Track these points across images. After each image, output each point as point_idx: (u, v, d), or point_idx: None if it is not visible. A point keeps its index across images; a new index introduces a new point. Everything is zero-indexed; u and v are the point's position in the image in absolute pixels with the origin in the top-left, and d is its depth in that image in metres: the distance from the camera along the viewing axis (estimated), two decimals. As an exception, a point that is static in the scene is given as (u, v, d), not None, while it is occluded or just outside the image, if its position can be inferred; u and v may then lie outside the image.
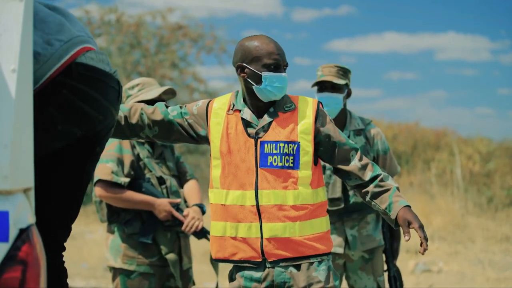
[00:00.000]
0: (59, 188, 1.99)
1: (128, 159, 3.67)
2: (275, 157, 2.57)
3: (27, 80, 1.69)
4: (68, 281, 2.24)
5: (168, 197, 3.75)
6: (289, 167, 2.57)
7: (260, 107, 2.64)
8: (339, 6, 32.41)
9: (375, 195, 2.62)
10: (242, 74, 2.63)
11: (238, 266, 2.66)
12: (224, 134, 2.62)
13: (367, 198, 2.65)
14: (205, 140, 2.70)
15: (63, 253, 2.21)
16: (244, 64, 2.62)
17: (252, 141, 2.60)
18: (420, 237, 2.49)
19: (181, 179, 3.93)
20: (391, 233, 3.96)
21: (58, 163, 1.95)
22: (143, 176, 3.72)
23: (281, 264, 2.59)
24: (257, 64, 2.59)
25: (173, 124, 2.71)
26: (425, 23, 29.42)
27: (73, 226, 2.20)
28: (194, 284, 3.90)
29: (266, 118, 2.62)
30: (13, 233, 1.58)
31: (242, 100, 2.68)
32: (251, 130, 2.62)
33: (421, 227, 2.51)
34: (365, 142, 3.76)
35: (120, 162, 3.65)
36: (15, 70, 1.64)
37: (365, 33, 31.57)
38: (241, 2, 29.37)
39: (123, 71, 14.58)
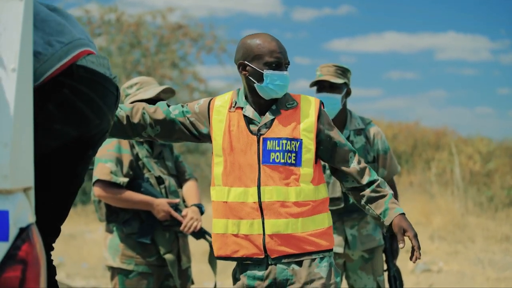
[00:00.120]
0: (49, 190, 1.98)
1: (127, 159, 3.66)
2: (278, 153, 2.58)
3: (27, 79, 1.69)
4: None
5: (166, 197, 3.75)
6: (291, 164, 2.58)
7: (262, 105, 2.66)
8: (339, 5, 32.42)
9: (371, 200, 2.66)
10: (244, 72, 2.64)
11: (241, 264, 2.67)
12: (226, 132, 2.63)
13: (362, 202, 2.68)
14: (207, 138, 2.71)
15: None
16: (246, 62, 2.63)
17: (255, 138, 2.61)
18: (414, 246, 2.55)
19: (180, 178, 3.93)
20: (391, 233, 3.95)
21: (49, 165, 1.95)
22: (142, 176, 3.71)
23: (283, 260, 2.59)
24: (259, 62, 2.61)
25: (175, 123, 2.72)
26: (425, 23, 29.44)
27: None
28: (193, 283, 3.90)
29: (268, 116, 2.63)
30: (13, 232, 1.58)
31: (244, 97, 2.69)
32: (253, 127, 2.63)
33: (416, 236, 2.57)
34: (365, 142, 3.76)
35: (119, 162, 3.65)
36: (15, 69, 1.64)
37: (365, 32, 31.59)
38: (241, 2, 29.39)
39: (123, 71, 14.57)
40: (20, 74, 1.65)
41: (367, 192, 2.65)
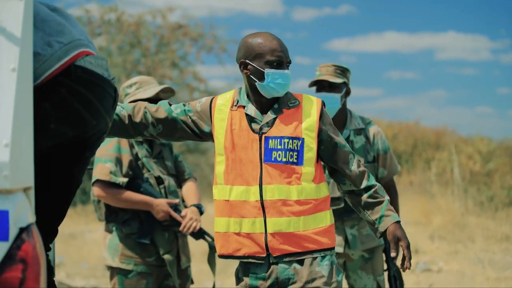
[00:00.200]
0: (47, 191, 1.98)
1: (126, 159, 3.66)
2: (280, 152, 2.59)
3: (27, 79, 1.69)
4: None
5: (166, 197, 3.75)
6: (293, 163, 2.59)
7: (263, 103, 2.66)
8: (339, 5, 32.42)
9: (367, 205, 2.68)
10: (245, 71, 2.65)
11: (244, 264, 2.67)
12: (228, 130, 2.64)
13: (358, 206, 2.71)
14: (209, 136, 2.71)
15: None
16: (247, 61, 2.64)
17: (257, 136, 2.61)
18: (406, 256, 2.61)
19: (179, 178, 3.93)
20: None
21: (47, 166, 1.94)
22: (142, 175, 3.71)
23: (285, 259, 2.60)
24: (260, 61, 2.61)
25: (177, 122, 2.72)
26: (425, 22, 29.44)
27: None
28: (192, 282, 3.90)
29: (270, 114, 2.64)
30: (13, 232, 1.58)
31: (245, 96, 2.69)
32: (255, 126, 2.64)
33: (409, 246, 2.63)
34: (365, 142, 3.76)
35: (119, 162, 3.64)
36: (15, 69, 1.63)
37: (365, 32, 31.59)
38: (241, 2, 29.40)
39: (123, 71, 14.57)
40: (20, 74, 1.65)
41: (364, 197, 2.68)
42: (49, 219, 2.03)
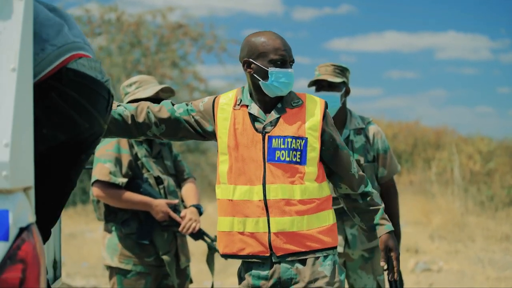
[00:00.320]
0: (42, 194, 1.98)
1: (126, 159, 3.66)
2: (283, 151, 2.59)
3: (27, 79, 1.69)
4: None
5: (165, 197, 3.75)
6: (296, 162, 2.59)
7: (267, 102, 2.66)
8: (339, 5, 32.41)
9: (363, 212, 2.74)
10: (249, 70, 2.65)
11: (246, 263, 2.67)
12: (231, 129, 2.64)
13: (353, 211, 2.77)
14: (213, 135, 2.71)
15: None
16: (251, 60, 2.64)
17: (260, 136, 2.61)
18: (395, 267, 2.72)
19: (179, 178, 3.93)
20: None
21: (42, 169, 1.93)
22: (141, 175, 3.71)
23: (288, 259, 2.60)
24: (264, 60, 2.61)
25: (180, 122, 2.72)
26: (425, 22, 29.44)
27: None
28: (191, 282, 3.91)
29: (274, 114, 2.64)
30: (13, 232, 1.58)
31: (248, 95, 2.69)
32: (258, 125, 2.63)
33: (398, 257, 2.73)
34: (365, 141, 3.76)
35: (118, 162, 3.64)
36: (15, 69, 1.63)
37: (365, 32, 31.59)
38: (241, 1, 29.40)
39: (123, 70, 14.57)
40: (20, 74, 1.65)
41: (360, 203, 2.73)
42: (42, 221, 2.03)
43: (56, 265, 2.89)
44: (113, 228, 3.72)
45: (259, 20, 28.76)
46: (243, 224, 2.61)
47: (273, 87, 2.61)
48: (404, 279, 4.07)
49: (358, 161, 3.67)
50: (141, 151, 3.73)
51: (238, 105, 2.67)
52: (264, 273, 2.62)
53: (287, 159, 2.58)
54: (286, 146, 2.59)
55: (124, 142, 3.70)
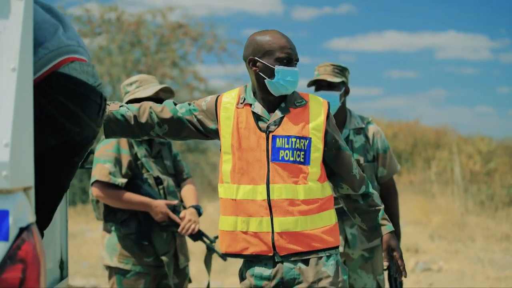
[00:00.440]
0: (35, 197, 1.97)
1: (125, 159, 3.66)
2: (287, 151, 2.58)
3: (27, 79, 1.69)
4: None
5: (165, 197, 3.74)
6: (300, 162, 2.59)
7: (270, 102, 2.66)
8: (339, 4, 32.41)
9: (363, 212, 2.76)
10: (254, 68, 2.64)
11: (248, 263, 2.67)
12: (234, 128, 2.63)
13: (353, 212, 2.78)
14: (216, 134, 2.70)
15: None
16: (256, 58, 2.63)
17: (264, 135, 2.61)
18: (401, 266, 2.74)
19: (178, 177, 3.93)
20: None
21: (35, 171, 1.93)
22: (141, 176, 3.71)
23: (291, 258, 2.60)
24: (270, 58, 2.61)
25: (183, 121, 2.72)
26: (425, 22, 29.45)
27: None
28: (190, 281, 3.91)
29: (277, 113, 2.63)
30: (13, 232, 1.58)
31: (252, 94, 2.69)
32: (262, 124, 2.63)
33: (401, 256, 2.75)
34: (365, 141, 3.76)
35: (118, 162, 3.64)
36: (15, 69, 1.63)
37: (365, 31, 31.59)
38: (241, 1, 29.40)
39: (124, 70, 14.57)
40: (20, 74, 1.65)
41: (361, 204, 2.74)
42: (36, 223, 2.03)
43: (63, 265, 2.89)
44: (113, 228, 3.72)
45: (259, 19, 28.77)
46: (247, 224, 2.60)
47: (278, 85, 2.61)
48: (404, 278, 4.07)
49: (358, 161, 3.67)
50: (140, 151, 3.73)
51: (241, 103, 2.67)
52: (266, 273, 2.62)
53: (291, 158, 2.58)
54: (290, 146, 2.58)
55: (124, 142, 3.70)
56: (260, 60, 2.62)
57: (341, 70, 3.72)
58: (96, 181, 3.62)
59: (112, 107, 2.71)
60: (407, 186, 12.21)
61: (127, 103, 3.63)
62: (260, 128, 2.62)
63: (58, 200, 2.12)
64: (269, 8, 30.30)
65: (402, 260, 2.72)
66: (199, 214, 3.78)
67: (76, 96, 1.97)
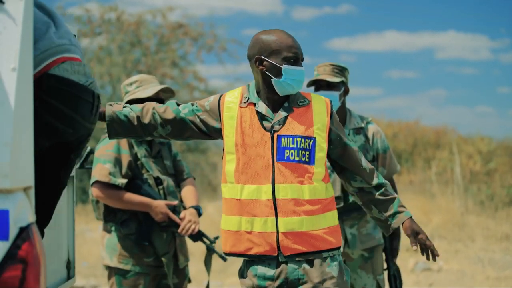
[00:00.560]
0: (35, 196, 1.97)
1: (125, 159, 3.66)
2: (292, 151, 2.58)
3: (27, 79, 1.69)
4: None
5: (165, 197, 3.74)
6: (305, 162, 2.59)
7: (275, 101, 2.66)
8: (339, 4, 32.39)
9: (379, 203, 2.71)
10: (261, 67, 2.63)
11: (250, 262, 2.66)
12: (238, 128, 2.63)
13: (369, 204, 2.73)
14: (219, 134, 2.70)
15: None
16: (263, 57, 2.63)
17: (268, 134, 2.60)
18: (430, 247, 2.67)
19: (178, 177, 3.92)
20: (393, 235, 3.95)
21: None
22: (141, 176, 3.71)
23: (295, 259, 2.59)
24: (277, 57, 2.61)
25: (186, 122, 2.71)
26: (425, 22, 29.44)
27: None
28: (190, 281, 3.91)
29: (281, 113, 2.63)
30: (13, 231, 1.58)
31: (255, 93, 2.68)
32: (266, 124, 2.63)
33: (428, 238, 2.69)
34: (365, 141, 3.76)
35: (118, 162, 3.64)
36: (15, 68, 1.64)
37: (365, 31, 31.57)
38: (241, 1, 29.39)
39: (124, 70, 14.57)
40: (20, 74, 1.65)
41: (375, 194, 2.71)
42: (36, 221, 2.02)
43: (70, 265, 2.89)
44: (113, 228, 3.72)
45: (259, 19, 28.76)
46: (251, 224, 2.59)
47: (285, 84, 2.61)
48: (404, 278, 4.07)
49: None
50: (140, 151, 3.72)
51: (245, 102, 2.66)
52: (270, 273, 2.61)
53: (297, 158, 2.58)
54: (295, 146, 2.58)
55: (124, 142, 3.70)
56: (267, 59, 2.62)
57: (341, 70, 3.72)
58: (96, 182, 3.62)
59: (116, 108, 2.71)
60: (407, 186, 12.21)
61: (127, 103, 3.63)
62: (264, 128, 2.62)
63: (57, 198, 2.12)
64: (269, 8, 30.30)
65: (430, 241, 2.68)
66: (199, 214, 3.78)
67: (68, 97, 1.96)
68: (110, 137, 2.75)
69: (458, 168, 11.72)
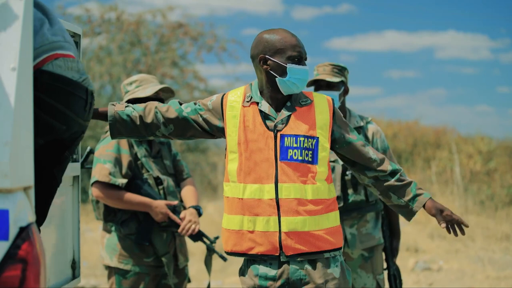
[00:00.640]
0: None
1: (126, 159, 3.66)
2: (295, 150, 2.58)
3: (27, 78, 1.69)
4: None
5: (165, 197, 3.74)
6: (308, 162, 2.59)
7: (278, 100, 2.66)
8: (339, 4, 32.40)
9: (397, 189, 2.70)
10: (265, 66, 2.63)
11: (251, 262, 2.65)
12: (241, 127, 2.63)
13: (387, 191, 2.71)
14: (222, 133, 2.69)
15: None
16: (267, 56, 2.62)
17: (271, 134, 2.60)
18: (458, 219, 2.66)
19: (178, 177, 3.93)
20: (391, 231, 3.96)
21: None
22: (141, 176, 3.71)
23: (297, 259, 2.59)
24: (282, 56, 2.61)
25: (188, 121, 2.71)
26: (425, 21, 29.45)
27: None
28: (189, 281, 3.91)
29: (284, 112, 2.63)
30: (13, 231, 1.58)
31: (258, 92, 2.68)
32: (269, 123, 2.62)
33: (453, 213, 2.68)
34: (364, 141, 3.76)
35: (118, 162, 3.64)
36: (15, 68, 1.64)
37: (365, 31, 31.59)
38: (241, 1, 29.41)
39: (124, 70, 14.57)
40: (20, 74, 1.65)
41: (391, 181, 2.70)
42: None
43: (75, 265, 2.89)
44: (113, 228, 3.72)
45: (259, 19, 28.77)
46: (253, 223, 2.59)
47: (290, 83, 2.61)
48: (404, 278, 4.08)
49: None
50: (140, 151, 3.72)
51: (248, 102, 2.66)
52: (272, 273, 2.61)
53: (300, 158, 2.58)
54: (298, 145, 2.58)
55: (123, 142, 3.69)
56: (272, 59, 2.62)
57: (340, 70, 3.72)
58: (96, 182, 3.62)
59: (118, 108, 2.71)
60: (407, 185, 12.18)
61: (127, 102, 3.63)
62: (267, 127, 2.62)
63: (52, 196, 2.12)
64: (269, 7, 30.32)
65: (456, 214, 2.67)
66: (199, 214, 3.78)
67: (61, 94, 1.96)
68: (113, 137, 2.74)
69: (458, 168, 11.73)
